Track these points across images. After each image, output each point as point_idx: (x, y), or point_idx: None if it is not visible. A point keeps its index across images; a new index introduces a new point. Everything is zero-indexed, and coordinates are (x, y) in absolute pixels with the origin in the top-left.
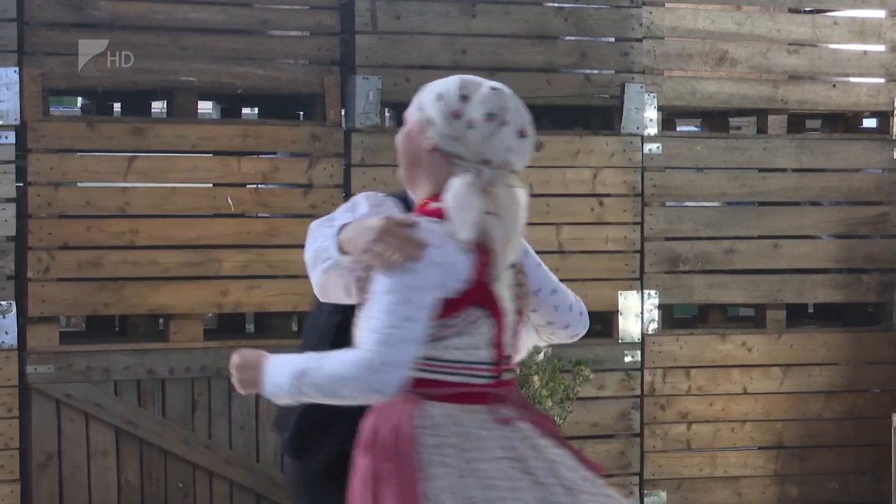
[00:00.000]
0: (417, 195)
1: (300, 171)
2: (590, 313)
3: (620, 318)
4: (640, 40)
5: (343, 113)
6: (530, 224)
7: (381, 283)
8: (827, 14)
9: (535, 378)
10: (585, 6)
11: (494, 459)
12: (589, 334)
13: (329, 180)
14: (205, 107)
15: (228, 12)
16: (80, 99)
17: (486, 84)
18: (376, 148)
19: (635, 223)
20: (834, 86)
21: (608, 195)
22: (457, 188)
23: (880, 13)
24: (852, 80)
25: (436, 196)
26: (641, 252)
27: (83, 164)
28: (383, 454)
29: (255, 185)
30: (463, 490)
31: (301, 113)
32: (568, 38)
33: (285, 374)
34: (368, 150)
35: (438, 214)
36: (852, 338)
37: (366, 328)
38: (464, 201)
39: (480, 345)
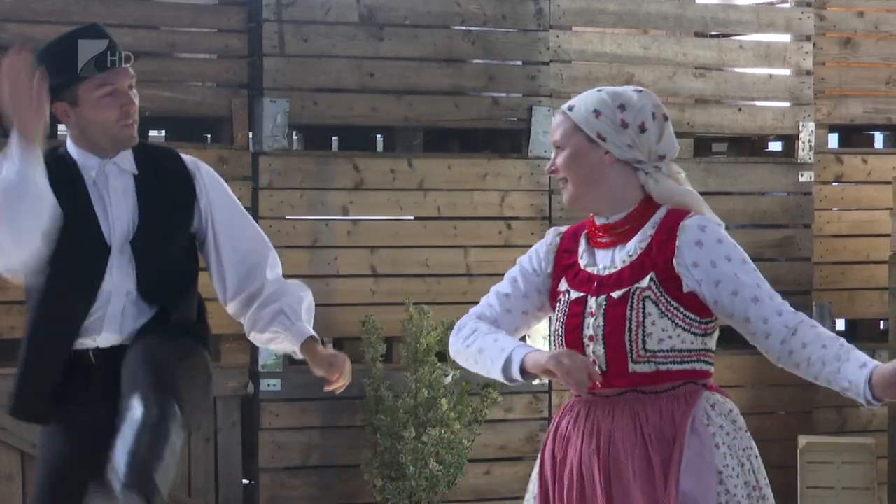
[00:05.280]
0: (599, 211)
1: None
2: None
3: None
4: (547, 64)
5: (251, 136)
6: (437, 247)
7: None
8: (733, 38)
9: (444, 401)
10: (493, 30)
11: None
12: None
13: None
14: None
15: (136, 35)
16: None
17: (629, 89)
18: (284, 171)
19: None
20: (740, 109)
21: (516, 218)
22: (681, 187)
23: (785, 38)
24: (758, 103)
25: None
26: None
27: None
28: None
29: None
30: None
31: (209, 136)
32: (475, 61)
33: None
34: (276, 172)
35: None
36: (758, 360)
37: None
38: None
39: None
